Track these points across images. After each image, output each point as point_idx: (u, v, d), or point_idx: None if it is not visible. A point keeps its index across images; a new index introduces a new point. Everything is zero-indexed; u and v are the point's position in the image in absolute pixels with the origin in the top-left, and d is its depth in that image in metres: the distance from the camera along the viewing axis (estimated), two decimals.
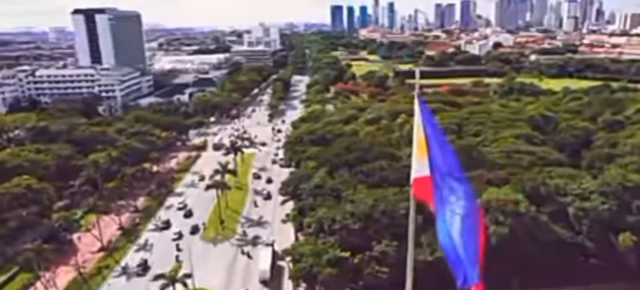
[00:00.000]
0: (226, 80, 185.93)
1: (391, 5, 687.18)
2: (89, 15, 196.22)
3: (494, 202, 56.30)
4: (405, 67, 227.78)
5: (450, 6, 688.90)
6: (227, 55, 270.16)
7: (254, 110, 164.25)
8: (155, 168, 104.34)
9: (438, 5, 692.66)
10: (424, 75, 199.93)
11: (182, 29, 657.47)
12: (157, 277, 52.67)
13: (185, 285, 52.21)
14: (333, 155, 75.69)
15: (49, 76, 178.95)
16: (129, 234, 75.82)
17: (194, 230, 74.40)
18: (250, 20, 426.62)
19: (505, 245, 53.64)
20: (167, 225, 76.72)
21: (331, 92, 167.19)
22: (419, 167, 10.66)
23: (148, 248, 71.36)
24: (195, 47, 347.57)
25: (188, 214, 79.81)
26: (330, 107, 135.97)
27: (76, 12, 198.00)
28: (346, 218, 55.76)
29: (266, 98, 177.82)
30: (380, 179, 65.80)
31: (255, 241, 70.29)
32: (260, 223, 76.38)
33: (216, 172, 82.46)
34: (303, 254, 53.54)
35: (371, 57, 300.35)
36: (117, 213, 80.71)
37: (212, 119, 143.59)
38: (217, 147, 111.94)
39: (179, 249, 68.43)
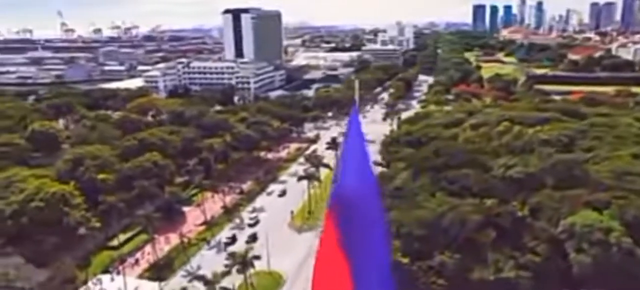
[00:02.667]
0: (349, 78, 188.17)
1: (539, 4, 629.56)
2: (235, 15, 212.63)
3: (579, 228, 49.53)
4: (540, 71, 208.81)
5: (609, 5, 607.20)
6: (359, 53, 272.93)
7: (371, 108, 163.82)
8: (268, 156, 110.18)
9: (594, 5, 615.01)
10: (560, 81, 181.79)
11: (326, 27, 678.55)
12: (231, 255, 55.83)
13: (253, 265, 54.54)
14: (421, 158, 72.71)
15: (199, 67, 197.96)
16: (230, 213, 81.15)
17: (283, 216, 77.20)
18: (391, 19, 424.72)
19: (587, 276, 47.14)
20: (262, 209, 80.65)
21: (452, 94, 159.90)
22: None
23: (242, 227, 75.84)
24: (332, 45, 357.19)
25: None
26: (448, 109, 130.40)
27: (226, 11, 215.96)
28: (412, 223, 53.40)
29: (386, 97, 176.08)
30: (461, 188, 61.64)
31: None
32: None
33: (310, 164, 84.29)
34: None
35: (507, 59, 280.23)
36: (223, 193, 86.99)
37: (330, 114, 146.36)
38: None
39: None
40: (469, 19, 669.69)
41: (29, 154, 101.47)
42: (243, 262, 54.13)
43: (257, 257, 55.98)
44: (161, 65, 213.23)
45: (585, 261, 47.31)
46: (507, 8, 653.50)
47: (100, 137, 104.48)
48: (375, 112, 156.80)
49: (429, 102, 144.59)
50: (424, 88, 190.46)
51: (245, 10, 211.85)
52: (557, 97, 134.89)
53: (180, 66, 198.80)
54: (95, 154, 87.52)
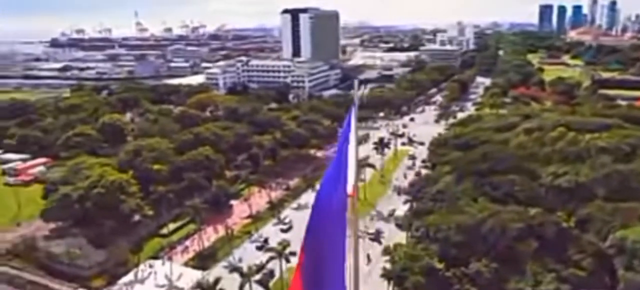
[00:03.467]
0: (403, 78, 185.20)
1: (613, 3, 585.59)
2: (294, 15, 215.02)
3: (630, 243, 46.09)
4: (607, 75, 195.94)
5: None
6: (416, 53, 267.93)
7: (424, 110, 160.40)
8: (317, 153, 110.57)
9: None
10: (628, 85, 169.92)
11: (386, 27, 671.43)
12: (268, 249, 56.58)
13: (287, 261, 54.97)
14: (467, 162, 70.33)
15: (257, 66, 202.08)
16: (274, 208, 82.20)
17: None
18: (453, 19, 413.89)
19: None
20: (306, 206, 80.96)
21: (509, 97, 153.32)
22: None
23: (286, 222, 76.57)
24: (391, 45, 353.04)
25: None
26: (503, 112, 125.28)
27: (285, 11, 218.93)
28: (451, 228, 51.77)
29: (440, 98, 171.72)
30: (505, 195, 59.10)
31: (375, 235, 69.79)
32: (387, 218, 75.26)
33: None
34: (399, 256, 51.55)
35: (573, 62, 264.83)
36: (271, 188, 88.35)
37: (381, 114, 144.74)
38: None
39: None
40: (535, 19, 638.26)
41: (99, 144, 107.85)
42: (279, 256, 54.64)
43: (294, 253, 56.24)
44: (221, 63, 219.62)
45: (635, 279, 43.93)
46: (577, 8, 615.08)
47: (161, 130, 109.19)
48: (428, 113, 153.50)
49: (484, 105, 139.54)
50: (481, 90, 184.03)
51: (304, 10, 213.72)
52: (622, 103, 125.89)
53: (239, 64, 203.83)
54: (153, 146, 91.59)
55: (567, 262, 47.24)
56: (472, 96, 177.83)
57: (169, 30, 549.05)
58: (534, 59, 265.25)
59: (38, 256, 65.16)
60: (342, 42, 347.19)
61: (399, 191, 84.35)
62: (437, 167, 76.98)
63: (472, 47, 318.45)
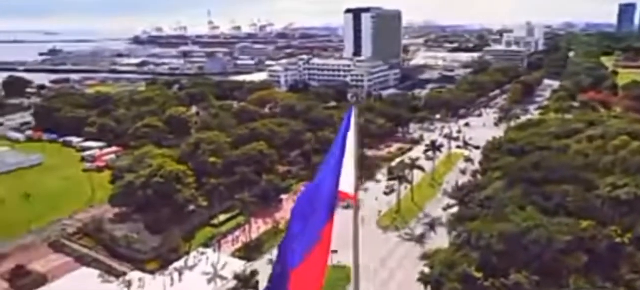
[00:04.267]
0: (464, 80, 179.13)
1: None
2: (356, 14, 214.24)
3: None
4: None
5: None
6: (480, 54, 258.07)
7: (485, 113, 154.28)
8: (369, 153, 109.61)
9: None
10: None
11: (453, 26, 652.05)
12: None
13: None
14: (519, 168, 66.96)
15: (318, 65, 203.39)
16: None
17: (373, 214, 76.47)
18: (522, 19, 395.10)
19: None
20: (351, 205, 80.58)
21: (577, 101, 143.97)
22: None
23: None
24: (455, 45, 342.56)
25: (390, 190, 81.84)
26: (568, 117, 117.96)
27: (347, 11, 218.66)
28: (493, 236, 49.59)
29: (503, 101, 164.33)
30: (556, 205, 55.68)
31: (419, 239, 68.27)
32: (433, 223, 73.29)
33: (404, 165, 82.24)
34: (438, 261, 50.14)
35: None
36: None
37: (438, 116, 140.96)
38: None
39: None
40: (614, 19, 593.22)
41: (165, 136, 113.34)
42: None
43: (334, 251, 56.25)
44: (284, 61, 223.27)
45: None
46: None
47: (220, 125, 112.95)
48: (488, 117, 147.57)
49: (549, 109, 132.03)
50: (548, 94, 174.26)
51: (366, 10, 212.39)
52: None
53: (301, 62, 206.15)
54: (211, 139, 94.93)
55: (618, 281, 43.93)
56: (538, 99, 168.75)
57: (238, 28, 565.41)
58: (609, 61, 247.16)
59: (103, 237, 69.69)
60: (405, 42, 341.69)
61: (448, 195, 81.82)
62: (488, 172, 73.88)
63: (541, 48, 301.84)
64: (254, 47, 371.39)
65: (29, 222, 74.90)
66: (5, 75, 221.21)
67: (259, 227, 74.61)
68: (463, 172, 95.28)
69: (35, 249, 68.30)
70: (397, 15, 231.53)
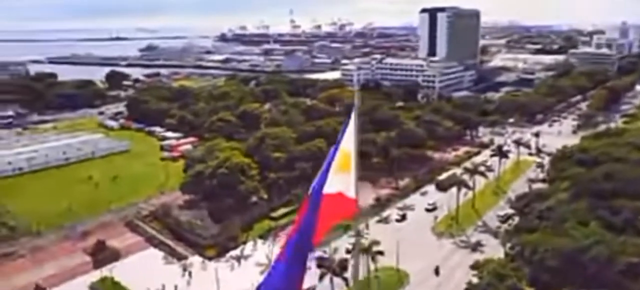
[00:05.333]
0: (543, 83, 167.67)
1: None
2: (432, 13, 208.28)
3: None
4: None
5: None
6: (565, 56, 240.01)
7: (564, 118, 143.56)
8: (434, 155, 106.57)
9: None
10: None
11: (539, 26, 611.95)
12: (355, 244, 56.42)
13: (373, 259, 54.36)
14: (588, 180, 61.76)
15: (390, 64, 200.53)
16: (379, 206, 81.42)
17: (430, 219, 74.28)
18: (617, 19, 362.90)
19: None
20: (412, 207, 78.91)
21: None
22: (335, 183, 10.45)
23: (388, 222, 75.50)
24: (539, 46, 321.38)
25: (433, 207, 78.85)
26: None
27: (423, 11, 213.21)
28: (548, 250, 46.26)
29: (584, 107, 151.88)
30: (624, 222, 50.80)
31: (474, 247, 65.23)
32: (493, 231, 69.62)
33: (466, 170, 78.92)
34: (487, 271, 47.66)
35: None
36: (379, 186, 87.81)
37: (511, 120, 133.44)
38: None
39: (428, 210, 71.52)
40: None
41: (237, 129, 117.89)
42: (366, 253, 54.35)
43: (381, 253, 55.47)
44: (357, 60, 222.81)
45: None
46: None
47: (289, 121, 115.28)
48: (567, 123, 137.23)
49: (635, 118, 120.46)
50: (638, 101, 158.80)
51: (442, 9, 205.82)
52: None
53: (374, 62, 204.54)
54: (277, 135, 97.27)
55: None
56: (625, 106, 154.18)
57: (319, 27, 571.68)
58: None
59: (170, 222, 74.01)
60: (486, 42, 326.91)
61: (511, 204, 77.46)
62: (555, 181, 68.90)
63: (635, 50, 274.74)
64: (332, 46, 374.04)
65: (110, 203, 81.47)
66: (108, 69, 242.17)
67: None
68: (532, 180, 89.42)
69: (114, 227, 74.06)
70: (475, 15, 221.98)
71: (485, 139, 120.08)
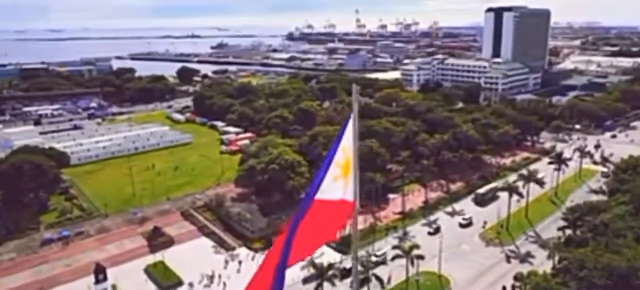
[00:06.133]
0: (616, 87, 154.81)
1: None
2: (498, 13, 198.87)
3: None
4: None
5: None
6: None
7: (636, 127, 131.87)
8: (491, 160, 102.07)
9: None
10: None
11: (620, 27, 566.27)
12: (395, 247, 55.47)
13: (412, 262, 53.06)
14: None
15: (452, 65, 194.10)
16: (427, 208, 79.27)
17: (479, 225, 71.23)
18: None
19: None
20: (461, 212, 76.17)
21: None
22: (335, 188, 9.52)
23: (433, 225, 73.31)
24: (617, 48, 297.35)
25: (467, 223, 73.73)
26: None
27: (489, 10, 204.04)
28: (596, 268, 42.84)
29: None
30: None
31: (523, 257, 61.70)
32: (544, 242, 65.52)
33: (520, 177, 74.81)
34: (530, 284, 44.99)
35: None
36: (430, 188, 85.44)
37: (578, 126, 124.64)
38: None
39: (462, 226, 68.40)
40: None
41: (293, 127, 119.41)
42: (407, 256, 53.20)
43: (421, 257, 54.01)
44: (418, 60, 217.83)
45: None
46: None
47: (343, 120, 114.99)
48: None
49: None
50: None
51: (509, 8, 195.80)
52: None
53: (435, 62, 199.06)
54: (328, 133, 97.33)
55: None
56: None
57: (384, 27, 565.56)
58: None
59: (221, 213, 76.48)
60: (558, 43, 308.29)
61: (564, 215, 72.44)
62: (615, 194, 63.62)
63: None
64: (395, 45, 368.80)
65: (169, 191, 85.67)
66: (181, 65, 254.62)
67: (360, 221, 74.75)
68: (594, 191, 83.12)
69: (171, 215, 77.82)
70: (544, 14, 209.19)
71: (547, 145, 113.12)
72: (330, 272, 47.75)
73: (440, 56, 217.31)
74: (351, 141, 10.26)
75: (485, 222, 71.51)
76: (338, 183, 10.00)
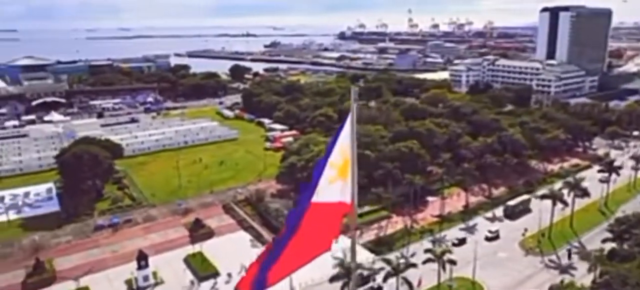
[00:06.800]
0: None
1: None
2: (554, 13, 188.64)
3: None
4: None
5: None
6: None
7: None
8: (537, 165, 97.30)
9: None
10: None
11: None
12: (427, 251, 54.03)
13: (443, 267, 51.47)
14: None
15: (503, 66, 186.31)
16: (467, 213, 76.61)
17: (519, 232, 68.02)
18: None
19: None
20: (501, 219, 73.11)
21: None
22: (329, 190, 9.36)
23: (470, 230, 70.83)
24: None
25: (494, 236, 68.63)
26: None
27: (544, 9, 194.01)
28: (638, 286, 39.72)
29: None
30: None
31: (565, 268, 58.26)
32: (587, 253, 61.39)
33: (566, 184, 70.68)
34: None
35: None
36: (471, 192, 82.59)
37: (636, 133, 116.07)
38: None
39: (488, 239, 65.43)
40: None
41: (336, 125, 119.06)
42: (438, 260, 51.70)
43: (453, 262, 52.25)
44: (468, 60, 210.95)
45: None
46: None
47: (385, 120, 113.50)
48: None
49: None
50: None
51: (566, 8, 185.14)
52: None
53: (485, 63, 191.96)
54: (369, 132, 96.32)
55: None
56: None
57: (436, 26, 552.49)
58: None
59: (260, 208, 77.62)
60: (622, 45, 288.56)
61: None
62: None
63: None
64: (446, 45, 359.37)
65: (212, 185, 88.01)
66: (233, 63, 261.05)
67: (397, 223, 73.54)
68: None
69: (213, 208, 79.92)
70: (604, 14, 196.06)
71: (601, 152, 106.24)
72: (358, 272, 47.05)
73: (491, 57, 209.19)
74: (349, 142, 9.84)
75: (525, 229, 68.09)
76: (335, 185, 9.60)
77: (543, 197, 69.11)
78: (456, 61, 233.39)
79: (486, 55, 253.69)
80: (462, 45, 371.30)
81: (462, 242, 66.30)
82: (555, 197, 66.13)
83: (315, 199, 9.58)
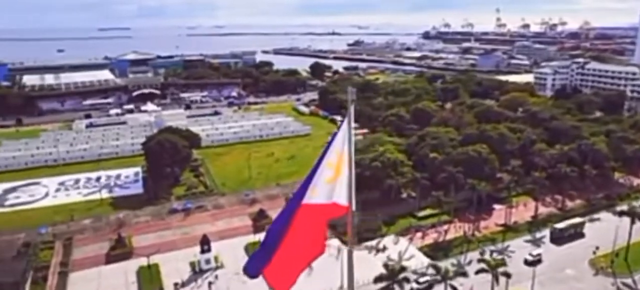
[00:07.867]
0: None
1: None
2: None
3: None
4: None
5: None
6: None
7: None
8: (622, 179, 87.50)
9: None
10: None
11: None
12: (481, 260, 50.95)
13: (497, 279, 48.11)
14: None
15: (594, 69, 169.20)
16: (534, 224, 70.99)
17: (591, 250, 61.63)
18: None
19: None
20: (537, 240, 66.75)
21: None
22: (323, 191, 9.37)
23: (536, 242, 65.60)
24: None
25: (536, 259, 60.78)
26: None
27: None
28: None
29: None
30: None
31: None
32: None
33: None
34: None
35: None
36: (544, 203, 76.47)
37: None
38: None
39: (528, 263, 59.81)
40: None
41: (407, 126, 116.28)
42: (491, 271, 48.52)
43: (508, 275, 48.57)
44: (554, 63, 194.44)
45: None
46: None
47: (457, 122, 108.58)
48: None
49: None
50: None
51: None
52: None
53: (574, 66, 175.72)
54: (438, 134, 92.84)
55: None
56: None
57: (526, 26, 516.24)
58: None
59: None
60: None
61: None
62: None
63: None
64: (534, 47, 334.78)
65: (280, 178, 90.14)
66: (313, 60, 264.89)
67: (459, 228, 70.18)
68: None
69: (277, 200, 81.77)
70: None
71: None
72: (402, 276, 45.61)
73: (580, 60, 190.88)
74: (346, 143, 9.72)
75: (597, 247, 61.46)
76: (330, 186, 9.47)
77: (621, 213, 61.84)
78: (543, 64, 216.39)
79: (578, 57, 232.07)
80: (552, 47, 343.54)
81: (537, 261, 59.45)
82: (635, 215, 58.88)
83: (307, 200, 9.38)
